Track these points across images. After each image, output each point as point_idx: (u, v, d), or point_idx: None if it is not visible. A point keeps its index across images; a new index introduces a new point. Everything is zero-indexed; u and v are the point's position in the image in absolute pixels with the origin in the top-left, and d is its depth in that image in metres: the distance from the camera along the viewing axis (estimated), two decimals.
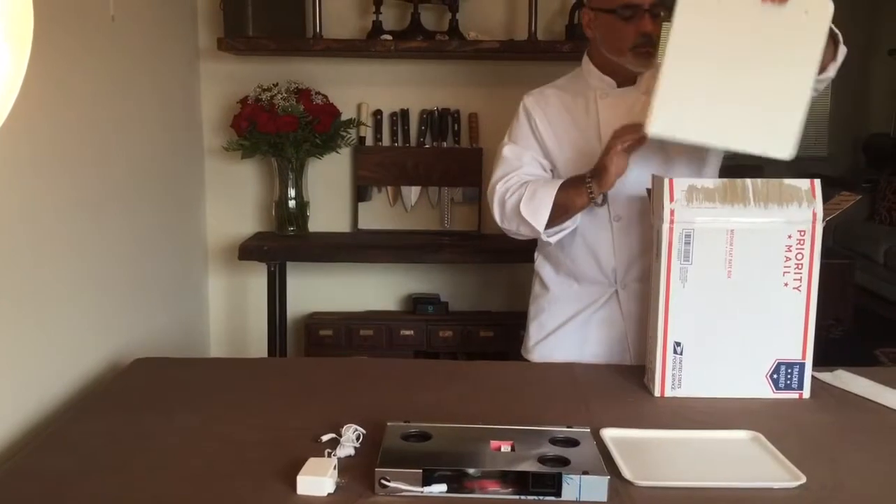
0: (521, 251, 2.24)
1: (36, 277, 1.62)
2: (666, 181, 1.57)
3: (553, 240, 1.91)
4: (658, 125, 1.61)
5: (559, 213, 1.85)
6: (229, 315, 3.10)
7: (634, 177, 1.82)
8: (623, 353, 1.95)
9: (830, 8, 1.55)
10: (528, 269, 2.13)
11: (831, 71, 1.77)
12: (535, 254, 2.09)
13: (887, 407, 1.56)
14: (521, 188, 1.89)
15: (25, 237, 1.57)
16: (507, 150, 1.98)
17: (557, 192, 1.83)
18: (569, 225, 1.89)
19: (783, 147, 1.60)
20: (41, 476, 1.26)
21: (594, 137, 1.90)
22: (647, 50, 1.83)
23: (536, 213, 1.85)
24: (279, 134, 2.70)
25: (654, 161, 1.86)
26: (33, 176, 1.61)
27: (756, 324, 1.58)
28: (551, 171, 1.98)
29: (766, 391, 1.60)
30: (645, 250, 1.86)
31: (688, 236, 1.56)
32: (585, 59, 1.98)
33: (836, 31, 1.73)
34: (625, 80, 1.93)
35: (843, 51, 1.79)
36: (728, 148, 1.70)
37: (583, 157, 1.90)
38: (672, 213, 1.55)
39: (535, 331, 2.07)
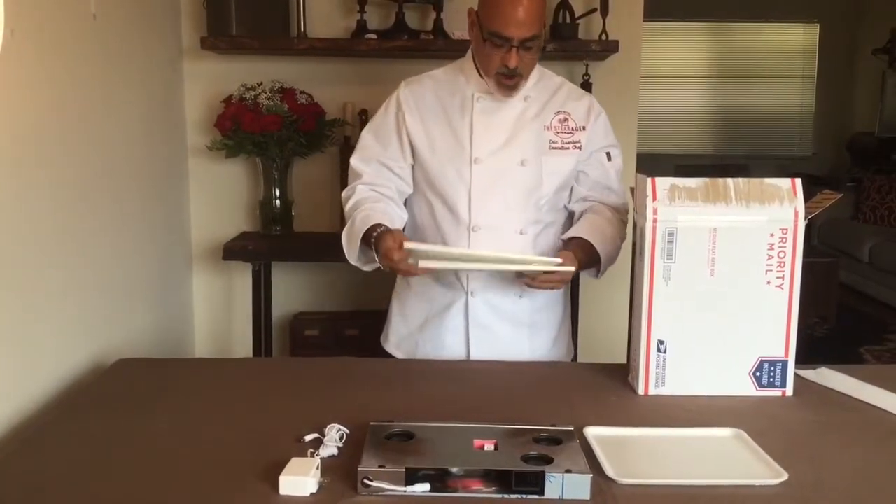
0: None
1: (18, 278, 1.61)
2: (648, 180, 1.57)
3: (366, 269, 1.92)
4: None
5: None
6: (214, 315, 3.09)
7: (494, 191, 1.88)
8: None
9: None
10: None
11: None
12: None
13: (869, 404, 1.57)
14: (352, 210, 1.92)
15: (6, 237, 1.56)
16: (354, 160, 1.99)
17: (364, 233, 1.83)
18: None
19: None
20: (22, 476, 1.25)
21: (466, 139, 1.91)
22: (510, 83, 1.84)
23: (348, 246, 1.90)
24: (263, 133, 2.69)
25: (521, 188, 1.91)
26: (14, 176, 1.59)
27: (739, 322, 1.59)
28: (412, 166, 1.97)
29: (749, 389, 1.61)
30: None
31: (671, 235, 1.56)
32: (468, 56, 1.95)
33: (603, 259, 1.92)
34: None
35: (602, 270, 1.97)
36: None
37: (452, 160, 1.91)
38: (655, 211, 1.56)
39: (398, 324, 2.08)
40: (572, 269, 1.78)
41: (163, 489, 1.22)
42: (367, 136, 2.00)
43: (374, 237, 1.78)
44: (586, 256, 1.87)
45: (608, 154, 1.98)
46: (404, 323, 2.07)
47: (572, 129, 1.93)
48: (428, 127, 1.94)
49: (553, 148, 1.92)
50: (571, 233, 1.93)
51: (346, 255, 1.91)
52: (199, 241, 3.01)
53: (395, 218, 1.92)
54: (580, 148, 1.94)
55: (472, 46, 1.93)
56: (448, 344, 1.98)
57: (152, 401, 1.58)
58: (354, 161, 1.99)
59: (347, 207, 1.94)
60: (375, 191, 1.96)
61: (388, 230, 1.78)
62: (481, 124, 1.91)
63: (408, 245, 1.70)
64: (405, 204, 2.02)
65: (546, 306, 2.01)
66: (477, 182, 1.89)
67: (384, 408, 1.47)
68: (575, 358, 2.27)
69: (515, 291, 1.95)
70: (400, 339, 2.07)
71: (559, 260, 1.77)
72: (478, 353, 1.96)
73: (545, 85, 1.97)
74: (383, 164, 1.97)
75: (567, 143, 1.93)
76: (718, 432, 1.41)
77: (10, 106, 1.58)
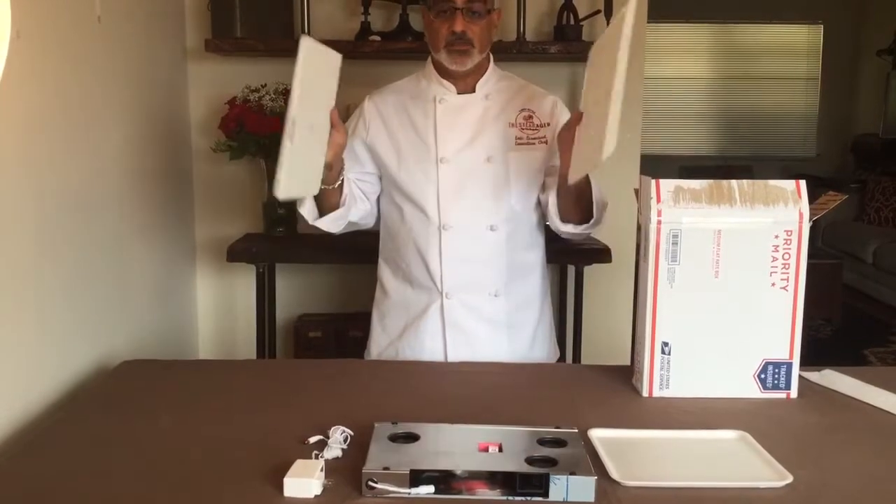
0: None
1: (23, 279, 1.61)
2: (652, 181, 1.57)
3: (321, 225, 1.91)
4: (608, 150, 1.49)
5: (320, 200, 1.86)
6: (218, 317, 3.09)
7: (462, 190, 1.90)
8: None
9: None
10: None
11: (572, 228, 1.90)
12: (379, 258, 2.12)
13: (874, 406, 1.57)
14: None
15: (9, 240, 1.56)
16: None
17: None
18: (334, 215, 1.90)
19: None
20: (26, 479, 1.25)
21: (431, 140, 1.93)
22: (461, 48, 1.86)
23: (303, 207, 1.89)
24: (267, 135, 2.70)
25: (489, 185, 1.92)
26: (19, 177, 1.60)
27: (743, 324, 1.59)
28: (379, 177, 2.02)
29: (753, 391, 1.60)
30: (471, 260, 1.93)
31: (675, 236, 1.56)
32: (429, 60, 1.99)
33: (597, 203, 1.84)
34: (465, 87, 1.96)
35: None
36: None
37: (419, 161, 1.93)
38: (659, 213, 1.56)
39: (379, 335, 2.10)
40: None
41: (167, 491, 1.22)
42: None
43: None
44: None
45: None
46: (384, 333, 2.08)
47: (537, 125, 1.95)
48: (393, 134, 1.97)
49: (519, 144, 1.94)
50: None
51: (304, 213, 1.90)
52: (203, 243, 3.02)
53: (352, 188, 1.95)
54: (546, 143, 1.95)
55: (426, 38, 1.95)
56: (427, 347, 1.99)
57: (156, 402, 1.58)
58: None
59: None
60: None
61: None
62: (445, 124, 1.93)
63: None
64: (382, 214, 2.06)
65: (522, 305, 2.02)
66: (444, 181, 1.91)
67: (388, 409, 1.46)
68: (564, 359, 2.27)
69: (490, 290, 1.96)
70: (381, 350, 2.08)
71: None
72: (455, 355, 1.96)
73: (507, 85, 2.00)
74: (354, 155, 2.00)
75: (533, 138, 1.95)
76: (723, 434, 1.41)
77: (15, 108, 1.58)
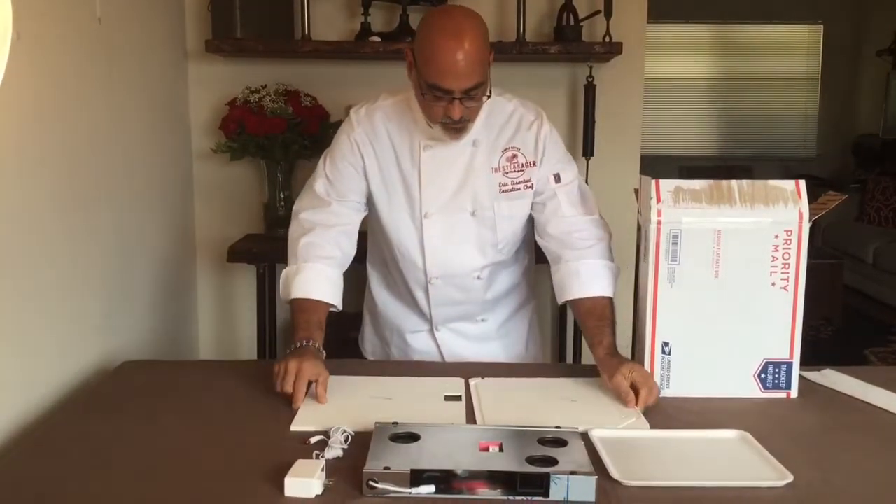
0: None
1: (23, 280, 1.61)
2: (652, 181, 1.57)
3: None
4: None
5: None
6: (218, 318, 3.09)
7: (447, 244, 1.86)
8: None
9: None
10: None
11: None
12: (367, 262, 2.09)
13: (874, 406, 1.57)
14: (305, 248, 1.84)
15: (11, 240, 1.56)
16: (320, 185, 1.87)
17: (293, 301, 1.81)
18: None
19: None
20: (28, 480, 1.25)
21: (416, 191, 1.83)
22: (457, 126, 1.71)
23: (285, 288, 1.85)
24: (268, 136, 2.70)
25: (475, 238, 1.87)
26: (19, 178, 1.60)
27: (744, 323, 1.59)
28: (367, 201, 1.90)
29: (753, 391, 1.61)
30: (460, 302, 1.93)
31: (675, 236, 1.56)
32: (413, 96, 1.77)
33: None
34: None
35: None
36: None
37: (406, 213, 1.85)
38: (659, 213, 1.56)
39: (371, 335, 2.12)
40: (637, 410, 1.53)
41: (168, 491, 1.22)
42: (320, 176, 1.89)
43: (297, 345, 1.71)
44: (612, 333, 1.72)
45: (556, 176, 1.84)
46: (376, 336, 2.10)
47: (522, 165, 1.83)
48: (384, 173, 1.85)
49: (504, 191, 1.83)
50: (601, 351, 1.69)
51: (282, 291, 1.87)
52: (204, 244, 3.01)
53: (335, 285, 1.86)
54: (531, 187, 1.84)
55: (416, 99, 1.76)
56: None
57: (157, 403, 1.59)
58: (319, 186, 1.88)
59: (300, 245, 1.85)
60: (331, 241, 1.86)
61: (312, 357, 1.67)
62: (429, 175, 1.82)
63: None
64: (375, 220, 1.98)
65: (511, 314, 2.04)
66: (429, 236, 1.85)
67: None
68: (564, 359, 2.27)
69: (478, 318, 1.98)
70: (374, 347, 2.11)
71: (629, 412, 1.53)
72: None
73: (494, 121, 1.84)
74: (346, 197, 1.87)
75: (518, 182, 1.83)
76: (723, 434, 1.41)
77: (16, 109, 1.58)
